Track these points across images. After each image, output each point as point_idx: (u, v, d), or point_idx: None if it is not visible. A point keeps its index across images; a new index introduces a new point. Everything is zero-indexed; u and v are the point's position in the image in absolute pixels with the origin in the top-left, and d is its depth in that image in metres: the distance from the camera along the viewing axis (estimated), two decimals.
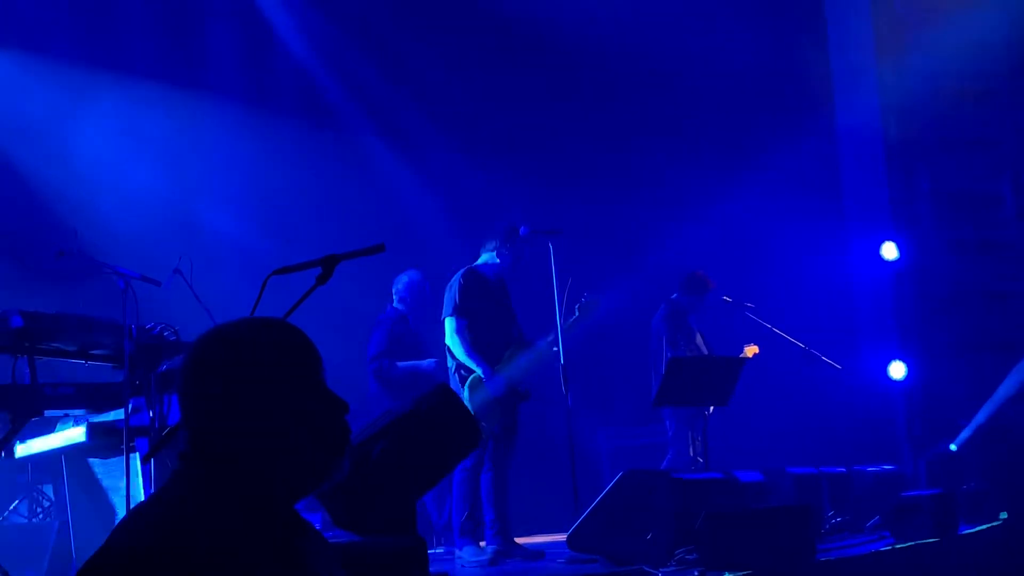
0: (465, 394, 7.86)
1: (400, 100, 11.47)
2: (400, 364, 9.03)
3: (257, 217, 10.76)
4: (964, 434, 10.18)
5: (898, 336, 11.02)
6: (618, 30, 11.40)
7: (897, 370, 10.89)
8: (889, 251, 11.03)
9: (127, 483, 6.03)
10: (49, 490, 8.86)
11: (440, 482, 6.39)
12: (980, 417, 10.27)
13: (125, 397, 6.01)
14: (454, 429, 5.05)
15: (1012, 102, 11.39)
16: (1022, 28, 11.05)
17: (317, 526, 2.76)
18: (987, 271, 11.40)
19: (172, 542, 2.18)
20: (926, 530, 7.75)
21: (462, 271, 8.21)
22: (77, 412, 6.44)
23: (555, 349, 8.13)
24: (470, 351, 7.98)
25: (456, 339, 8.01)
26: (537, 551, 7.96)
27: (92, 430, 6.42)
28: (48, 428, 7.07)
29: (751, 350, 9.74)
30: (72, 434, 6.63)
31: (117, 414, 6.34)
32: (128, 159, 10.41)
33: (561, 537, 7.66)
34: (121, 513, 6.26)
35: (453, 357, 8.11)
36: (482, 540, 8.00)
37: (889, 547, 7.62)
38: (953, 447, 10.20)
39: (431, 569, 4.85)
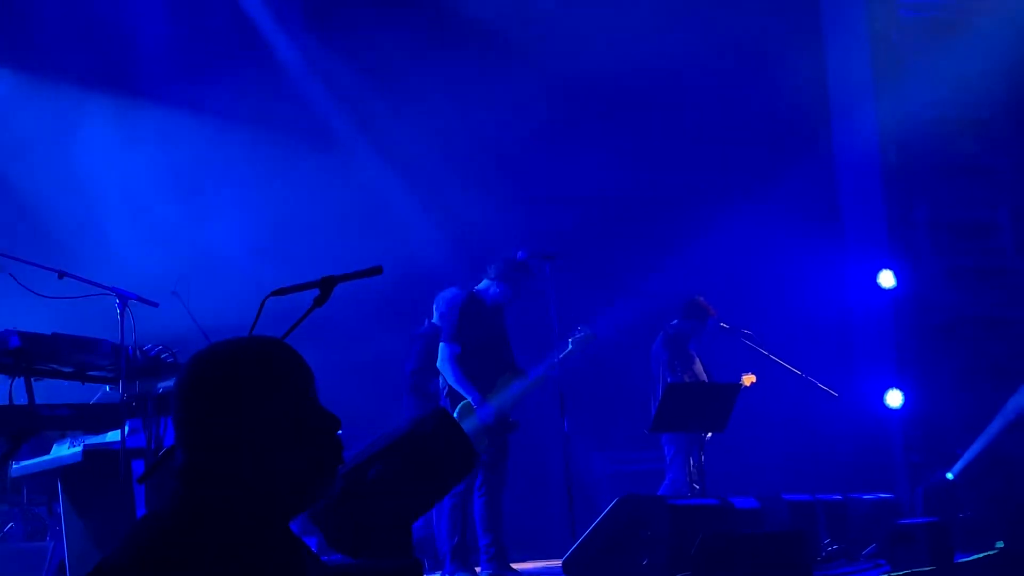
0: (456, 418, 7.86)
1: (400, 123, 11.50)
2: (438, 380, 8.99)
3: (256, 239, 10.77)
4: (961, 463, 10.17)
5: (895, 364, 11.02)
6: (618, 57, 11.42)
7: (894, 398, 10.89)
8: (887, 279, 11.05)
9: (124, 504, 6.02)
10: (44, 511, 8.83)
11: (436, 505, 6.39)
12: (977, 446, 10.27)
13: (122, 418, 6.01)
14: (451, 452, 5.04)
15: (1009, 131, 11.43)
16: (1019, 57, 11.10)
17: (313, 549, 2.76)
18: (984, 299, 11.40)
19: (168, 561, 2.19)
20: (922, 558, 7.74)
21: (462, 296, 8.22)
22: (74, 433, 6.44)
23: (549, 375, 8.14)
24: (461, 378, 7.98)
25: (447, 365, 8.02)
26: None
27: (88, 451, 6.42)
28: (44, 449, 7.06)
29: (748, 379, 9.75)
30: (68, 455, 6.63)
31: (114, 435, 6.34)
32: (126, 180, 10.43)
33: (557, 563, 7.65)
34: (117, 534, 6.24)
35: (445, 380, 8.13)
36: (477, 566, 7.98)
37: (885, 575, 7.61)
38: (950, 476, 10.20)
39: None
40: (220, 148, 10.89)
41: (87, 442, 6.57)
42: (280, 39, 11.34)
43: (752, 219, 11.18)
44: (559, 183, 11.70)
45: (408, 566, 4.62)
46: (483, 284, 8.34)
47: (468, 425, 7.88)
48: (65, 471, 6.71)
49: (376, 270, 4.10)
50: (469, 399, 7.95)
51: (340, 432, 2.49)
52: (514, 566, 8.08)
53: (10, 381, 5.97)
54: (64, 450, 6.75)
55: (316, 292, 3.93)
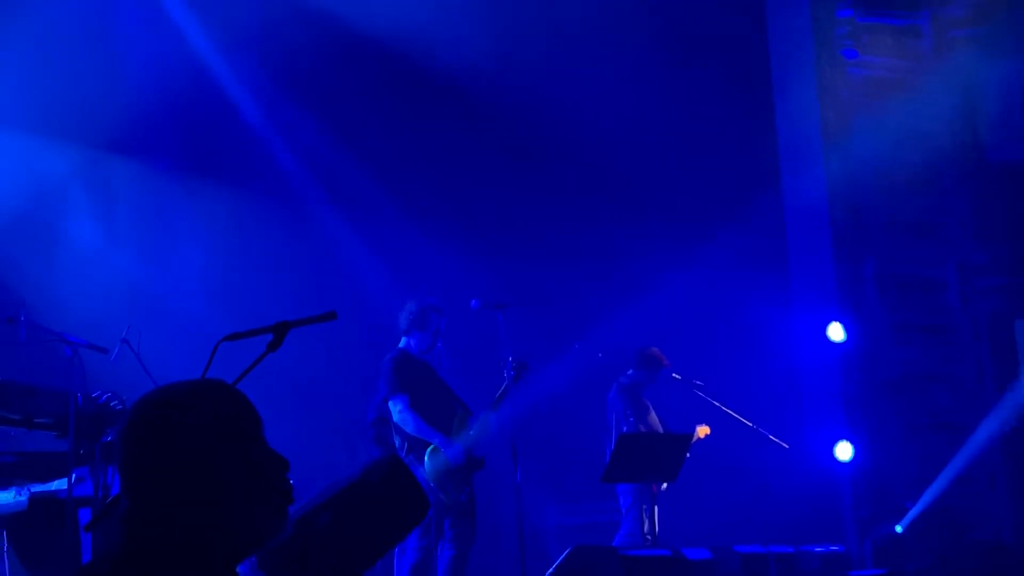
0: (427, 466, 7.84)
1: (350, 168, 11.50)
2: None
3: (206, 285, 10.72)
4: (910, 515, 10.22)
5: (844, 416, 11.08)
6: (570, 104, 11.53)
7: (844, 451, 10.94)
8: (836, 332, 11.12)
9: (70, 552, 5.94)
10: None
11: (386, 554, 6.34)
12: (926, 499, 10.32)
13: (69, 466, 5.95)
14: (402, 500, 5.02)
15: (956, 189, 11.57)
16: (965, 116, 11.28)
17: None
18: (932, 354, 11.50)
19: None
20: None
21: (391, 354, 8.25)
22: (19, 480, 6.37)
23: (496, 411, 8.16)
24: (421, 425, 7.97)
25: (406, 415, 7.99)
26: None
27: (34, 499, 6.34)
28: None
29: (703, 431, 9.81)
30: (14, 503, 6.54)
31: (60, 483, 6.27)
32: (75, 227, 10.36)
33: None
34: None
35: (401, 436, 8.09)
36: None
37: None
38: (899, 528, 10.24)
39: None
40: (171, 196, 10.85)
41: (33, 490, 6.49)
42: (234, 88, 11.33)
43: (703, 271, 11.25)
44: (512, 232, 11.73)
45: None
46: (402, 342, 8.38)
47: (440, 468, 7.86)
48: (10, 519, 6.62)
49: (330, 315, 4.10)
50: (435, 442, 7.93)
51: (288, 474, 2.47)
52: None
53: None
54: (9, 498, 6.66)
55: (269, 337, 3.91)
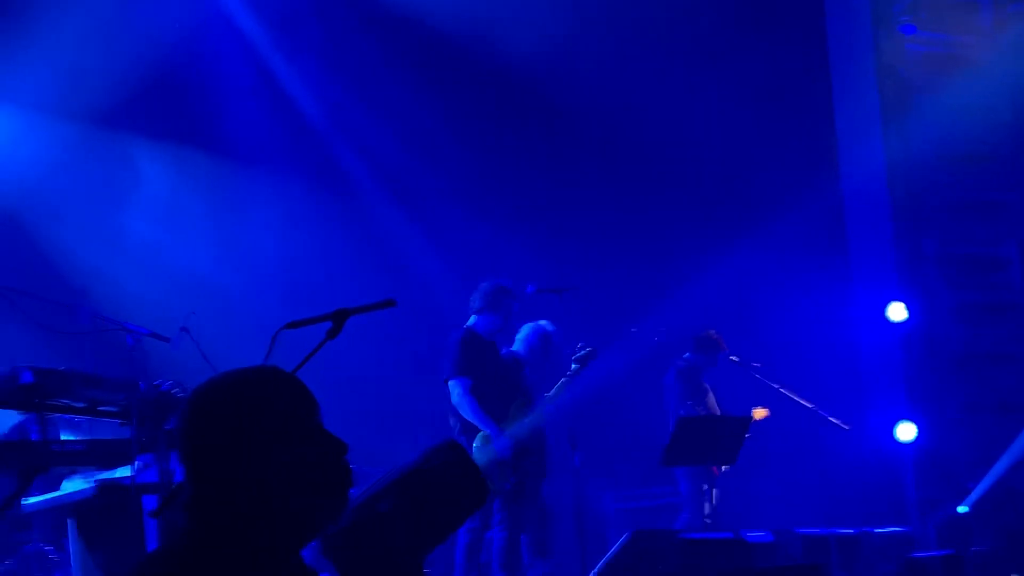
0: (474, 454, 7.86)
1: (406, 155, 11.54)
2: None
3: (266, 274, 10.81)
4: (973, 496, 10.13)
5: (906, 397, 10.98)
6: (625, 87, 11.49)
7: (906, 431, 10.84)
8: (896, 312, 11.02)
9: (135, 539, 6.01)
10: (53, 549, 8.81)
11: (448, 539, 6.37)
12: (989, 479, 10.22)
13: (133, 454, 6.00)
14: (463, 485, 5.03)
15: (1017, 165, 11.43)
16: None
17: None
18: (995, 333, 11.37)
19: None
20: None
21: (459, 333, 8.24)
22: (84, 468, 6.44)
23: (558, 399, 8.15)
24: (478, 411, 7.98)
25: (464, 400, 8.01)
26: None
27: (100, 487, 6.41)
28: (54, 485, 7.06)
29: (760, 413, 9.77)
30: (79, 491, 6.62)
31: (125, 471, 6.33)
32: (136, 217, 10.47)
33: None
34: (129, 570, 6.22)
35: (456, 417, 8.11)
36: None
37: None
38: (962, 509, 10.15)
39: None
40: (231, 186, 10.94)
41: (98, 478, 6.57)
42: (291, 79, 11.40)
43: (761, 253, 11.18)
44: (569, 217, 11.72)
45: None
46: (471, 320, 8.37)
47: (487, 457, 7.89)
48: (77, 506, 6.71)
49: (389, 303, 4.12)
50: (488, 432, 7.94)
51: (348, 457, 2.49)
52: None
53: (22, 417, 5.98)
54: (75, 486, 6.75)
55: (329, 325, 3.93)
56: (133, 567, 2.35)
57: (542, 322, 8.85)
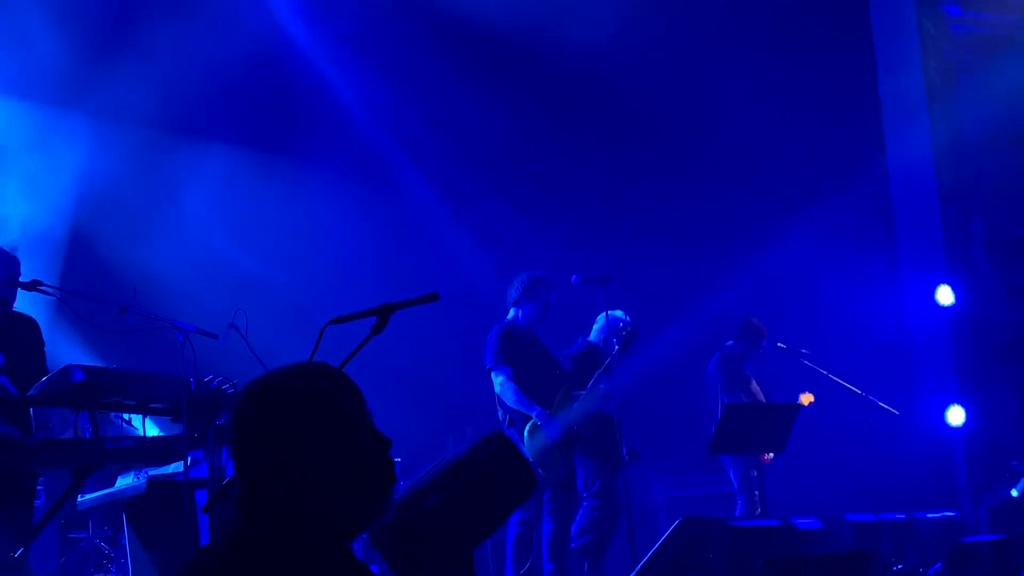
0: (525, 442, 7.88)
1: (449, 152, 11.57)
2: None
3: (311, 270, 10.88)
4: None
5: (956, 381, 10.90)
6: (670, 78, 11.46)
7: (955, 415, 10.77)
8: (945, 296, 10.94)
9: (188, 534, 6.08)
10: (107, 544, 8.93)
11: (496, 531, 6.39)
12: None
13: (184, 450, 6.07)
14: (511, 477, 5.04)
15: None
16: None
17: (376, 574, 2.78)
18: None
19: None
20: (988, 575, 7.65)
21: (499, 325, 8.27)
22: (137, 465, 6.52)
23: (604, 383, 8.15)
24: (521, 397, 8.00)
25: (506, 388, 8.03)
26: None
27: (152, 483, 6.49)
28: (108, 481, 7.16)
29: (806, 398, 9.73)
30: (132, 486, 6.71)
31: (177, 467, 6.41)
32: (184, 215, 10.57)
33: None
34: (182, 565, 6.30)
35: (504, 408, 8.13)
36: None
37: None
38: (1015, 492, 10.06)
39: None
40: (278, 183, 11.01)
41: (150, 474, 6.65)
42: (332, 72, 11.44)
43: (807, 238, 11.14)
44: (612, 205, 11.72)
45: None
46: (511, 313, 8.39)
47: (539, 444, 7.90)
48: (129, 503, 6.80)
49: (433, 296, 4.13)
50: (534, 416, 7.96)
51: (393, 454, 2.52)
52: None
53: (75, 415, 6.06)
54: (128, 482, 6.84)
55: (374, 320, 3.96)
56: (187, 562, 2.39)
57: (617, 312, 8.84)
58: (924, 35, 11.13)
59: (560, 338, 8.87)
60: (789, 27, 11.58)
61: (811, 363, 9.89)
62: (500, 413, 8.18)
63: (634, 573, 7.22)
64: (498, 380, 8.08)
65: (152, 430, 6.96)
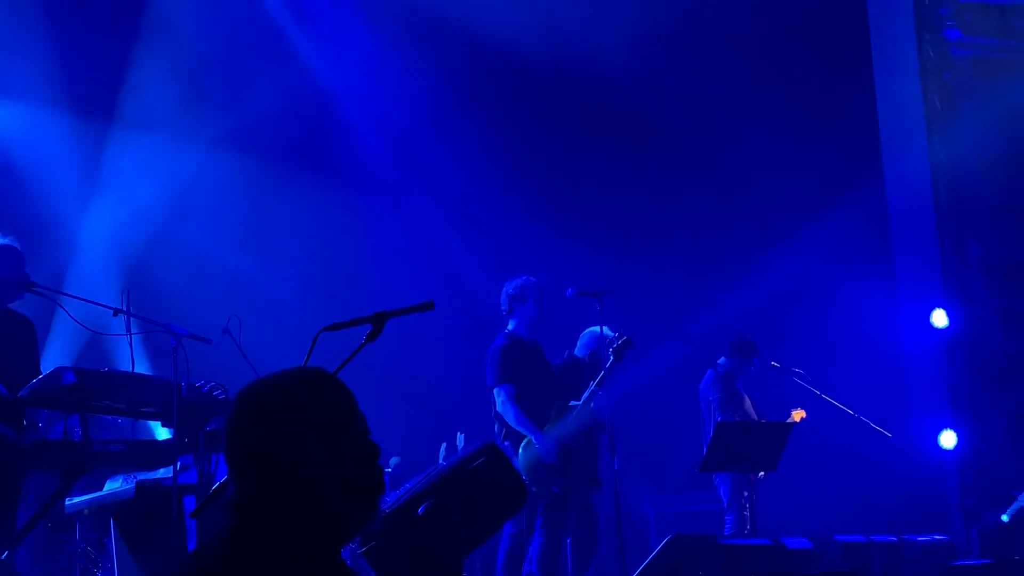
0: (520, 458, 7.87)
1: (448, 161, 11.57)
2: None
3: (306, 276, 10.87)
4: (1016, 504, 10.03)
5: (949, 404, 10.90)
6: (669, 95, 11.47)
7: (948, 439, 10.76)
8: (939, 319, 10.94)
9: (175, 539, 6.05)
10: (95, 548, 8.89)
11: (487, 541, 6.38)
12: None
13: (174, 455, 6.05)
14: (502, 488, 5.04)
15: None
16: None
17: None
18: None
19: None
20: None
21: (500, 338, 8.25)
22: (126, 469, 6.49)
23: (599, 394, 8.13)
24: (522, 418, 7.99)
25: (508, 406, 8.02)
26: None
27: (141, 487, 6.46)
28: (97, 485, 7.12)
29: (798, 414, 9.72)
30: (121, 491, 6.67)
31: (166, 472, 6.38)
32: (178, 218, 10.56)
33: None
34: (169, 570, 6.27)
35: (501, 424, 8.12)
36: None
37: None
38: (1005, 518, 10.05)
39: None
40: (272, 188, 11.01)
41: (139, 478, 6.61)
42: (333, 82, 11.46)
43: (803, 257, 11.14)
44: (609, 219, 11.72)
45: None
46: (509, 325, 8.37)
47: (533, 461, 7.89)
48: (117, 507, 6.76)
49: (428, 305, 4.13)
50: (533, 440, 7.96)
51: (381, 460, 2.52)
52: None
53: (65, 417, 6.03)
54: (117, 486, 6.80)
55: (369, 327, 3.95)
56: (179, 566, 2.37)
57: (602, 327, 8.85)
58: (924, 59, 11.17)
59: (554, 351, 8.85)
60: (789, 48, 11.60)
61: (804, 383, 9.87)
62: (497, 427, 8.17)
63: None
64: (499, 399, 8.08)
65: (163, 433, 6.93)
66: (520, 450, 7.92)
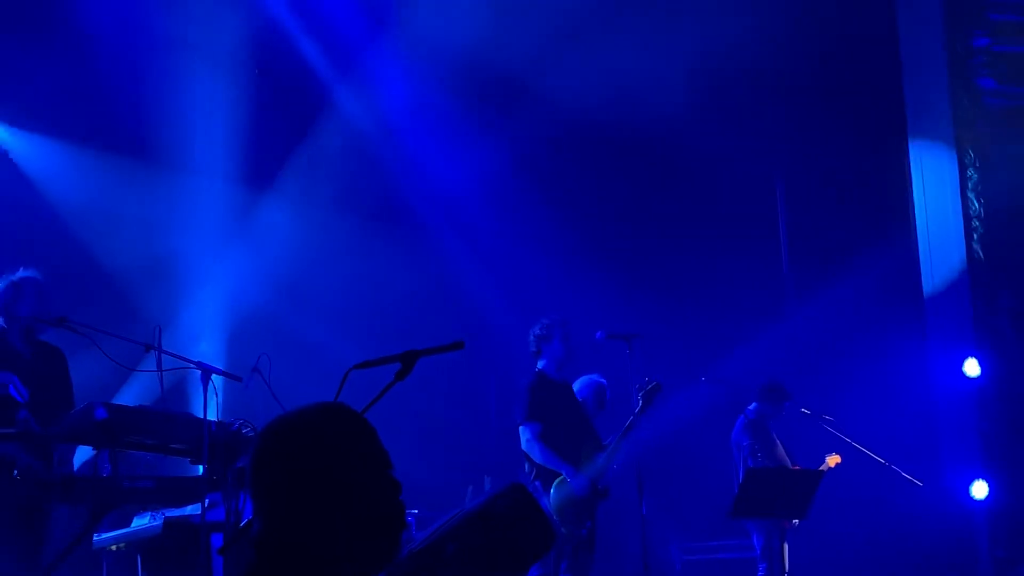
0: (552, 497, 7.83)
1: (478, 201, 11.61)
2: None
3: (337, 316, 10.89)
4: None
5: (981, 454, 10.80)
6: (700, 135, 11.48)
7: (980, 489, 10.66)
8: (972, 368, 10.87)
9: None
10: None
11: None
12: None
13: (202, 492, 6.06)
14: (529, 530, 5.00)
15: None
16: None
17: None
18: None
19: None
20: None
21: (528, 377, 8.25)
22: (154, 505, 6.51)
23: (629, 437, 8.10)
24: (550, 455, 7.96)
25: (533, 445, 7.99)
26: None
27: (168, 523, 6.47)
28: (124, 521, 7.13)
29: (833, 460, 9.66)
30: (148, 527, 6.68)
31: (194, 508, 6.39)
32: (211, 257, 10.61)
33: None
34: None
35: (531, 463, 8.09)
36: None
37: None
38: None
39: None
40: (302, 226, 11.06)
41: (167, 514, 6.62)
42: (358, 115, 11.51)
43: (835, 305, 11.10)
44: (640, 262, 11.72)
45: None
46: (539, 364, 8.37)
47: (565, 500, 7.85)
48: (145, 543, 6.77)
49: (458, 345, 4.12)
50: (563, 473, 7.92)
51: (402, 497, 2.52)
52: None
53: (95, 452, 6.05)
54: (144, 522, 6.81)
55: (398, 366, 3.95)
56: None
57: (595, 375, 8.88)
58: (957, 107, 11.15)
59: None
60: (823, 96, 11.61)
61: (835, 430, 9.80)
62: (527, 466, 8.14)
63: None
64: (525, 437, 8.05)
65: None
66: (552, 489, 7.88)
